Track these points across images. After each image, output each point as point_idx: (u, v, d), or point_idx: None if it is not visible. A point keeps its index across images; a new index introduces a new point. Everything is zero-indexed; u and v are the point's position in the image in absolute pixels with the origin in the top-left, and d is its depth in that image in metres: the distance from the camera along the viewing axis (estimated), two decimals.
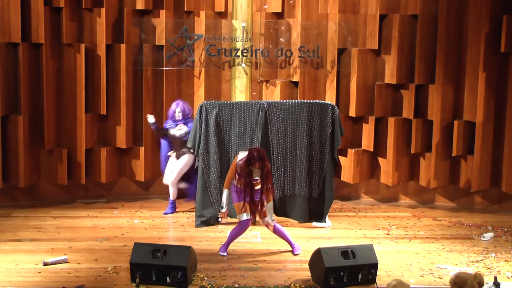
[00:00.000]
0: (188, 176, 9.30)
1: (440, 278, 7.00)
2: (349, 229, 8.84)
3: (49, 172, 9.79)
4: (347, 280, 6.74)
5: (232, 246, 7.83)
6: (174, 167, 9.24)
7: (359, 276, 6.78)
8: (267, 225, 7.65)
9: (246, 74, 9.72)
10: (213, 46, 9.87)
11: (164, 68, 9.91)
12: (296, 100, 9.17)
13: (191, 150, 8.99)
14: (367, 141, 10.10)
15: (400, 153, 10.00)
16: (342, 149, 10.20)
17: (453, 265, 7.38)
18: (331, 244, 7.67)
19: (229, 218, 8.57)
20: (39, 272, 6.98)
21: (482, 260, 7.59)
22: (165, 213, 9.29)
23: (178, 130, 9.17)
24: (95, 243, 8.02)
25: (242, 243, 8.01)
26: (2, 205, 9.56)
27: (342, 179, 10.22)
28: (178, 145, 9.21)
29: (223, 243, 7.77)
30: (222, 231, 8.58)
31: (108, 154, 9.90)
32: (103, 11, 9.66)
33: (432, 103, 9.76)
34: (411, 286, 5.33)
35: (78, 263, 7.27)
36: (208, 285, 6.67)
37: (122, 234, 8.40)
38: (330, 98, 10.02)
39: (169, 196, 9.37)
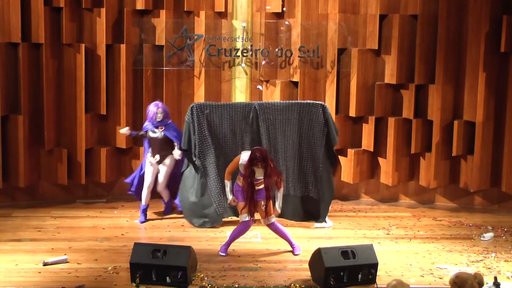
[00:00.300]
0: (173, 178, 9.06)
1: (440, 278, 7.00)
2: (349, 229, 8.84)
3: (49, 172, 9.79)
4: (347, 280, 6.75)
5: (232, 246, 7.83)
6: (162, 171, 8.92)
7: (359, 276, 6.78)
8: (269, 225, 7.63)
9: (246, 74, 9.72)
10: (213, 46, 9.87)
11: (164, 68, 9.91)
12: (287, 101, 9.16)
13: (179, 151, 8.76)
14: (367, 141, 10.09)
15: (400, 153, 10.00)
16: (342, 149, 10.20)
17: (453, 265, 7.38)
18: (331, 244, 7.67)
19: (231, 219, 8.56)
20: (39, 272, 6.98)
21: (482, 260, 7.59)
22: (141, 222, 8.90)
23: (160, 132, 8.80)
24: (95, 243, 8.02)
25: (242, 243, 8.01)
26: (2, 205, 9.56)
27: (342, 179, 10.22)
28: (161, 147, 8.86)
29: (224, 243, 7.77)
30: (222, 231, 8.58)
31: (108, 154, 9.90)
32: (103, 11, 9.66)
33: (432, 103, 9.76)
34: (411, 286, 5.33)
35: (78, 263, 7.27)
36: (208, 285, 6.67)
37: (122, 234, 8.40)
38: (330, 98, 10.03)
39: (141, 203, 8.96)
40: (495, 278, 6.06)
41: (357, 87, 9.97)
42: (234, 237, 7.71)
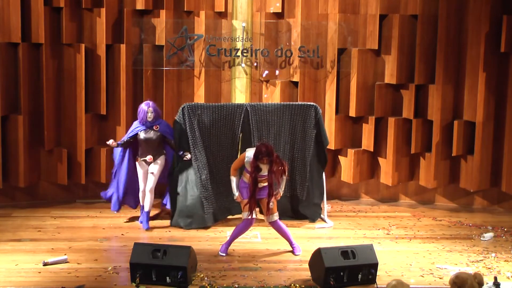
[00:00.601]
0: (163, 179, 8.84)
1: (440, 278, 7.00)
2: (349, 229, 8.84)
3: (49, 172, 9.79)
4: (347, 280, 6.74)
5: (232, 246, 7.83)
6: (154, 171, 8.59)
7: (359, 276, 6.78)
8: (271, 223, 7.61)
9: (246, 74, 9.72)
10: (213, 46, 9.87)
11: (164, 68, 9.91)
12: (279, 102, 9.15)
13: (182, 152, 8.56)
14: (367, 141, 10.09)
15: (400, 153, 10.00)
16: (342, 149, 10.21)
17: (453, 265, 7.37)
18: (331, 244, 7.67)
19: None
20: (39, 272, 6.98)
21: (482, 260, 7.59)
22: (148, 228, 8.60)
23: (155, 132, 8.54)
24: (95, 243, 8.02)
25: (242, 243, 8.01)
26: (2, 205, 9.56)
27: (342, 179, 10.22)
28: (155, 148, 8.59)
29: (224, 242, 7.77)
30: (222, 231, 8.58)
31: (108, 154, 9.89)
32: (103, 11, 9.66)
33: (432, 103, 9.76)
34: (411, 286, 5.32)
35: (78, 263, 7.27)
36: (208, 285, 6.67)
37: (122, 234, 8.40)
38: (330, 98, 10.03)
39: (143, 207, 8.68)
40: (495, 278, 6.06)
41: (357, 87, 9.97)
42: (235, 235, 7.71)
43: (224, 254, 7.64)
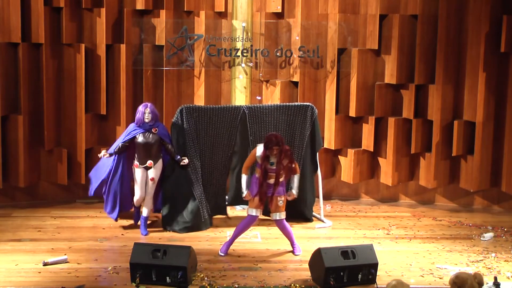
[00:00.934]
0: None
1: (440, 278, 7.00)
2: (349, 229, 8.84)
3: (49, 172, 9.79)
4: (347, 280, 6.75)
5: (232, 246, 7.83)
6: (154, 177, 8.33)
7: (359, 276, 6.78)
8: (277, 221, 7.57)
9: (246, 74, 9.72)
10: (213, 46, 9.87)
11: (164, 68, 9.91)
12: (275, 104, 9.13)
13: (179, 157, 8.38)
14: (367, 141, 10.09)
15: (400, 153, 10.00)
16: (342, 149, 10.20)
17: (453, 265, 7.38)
18: (331, 244, 7.67)
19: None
20: (39, 272, 6.98)
21: (482, 260, 7.59)
22: (146, 234, 8.37)
23: (154, 135, 8.24)
24: (95, 243, 8.02)
25: (242, 243, 8.01)
26: (2, 205, 9.56)
27: (342, 179, 10.22)
28: (153, 151, 8.28)
29: (225, 242, 7.76)
30: (222, 231, 8.58)
31: None
32: (103, 11, 9.66)
33: (432, 103, 9.76)
34: (411, 286, 5.33)
35: (78, 263, 7.27)
36: (208, 285, 6.67)
37: (122, 234, 8.40)
38: (330, 98, 10.03)
39: (141, 212, 8.45)
40: (495, 278, 6.06)
41: (357, 87, 9.97)
42: (238, 232, 7.68)
43: (223, 254, 7.64)
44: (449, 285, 5.37)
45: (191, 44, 9.93)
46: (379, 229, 8.82)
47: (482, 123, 9.49)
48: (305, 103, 8.97)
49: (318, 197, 9.18)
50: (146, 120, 8.25)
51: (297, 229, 8.66)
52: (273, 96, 10.09)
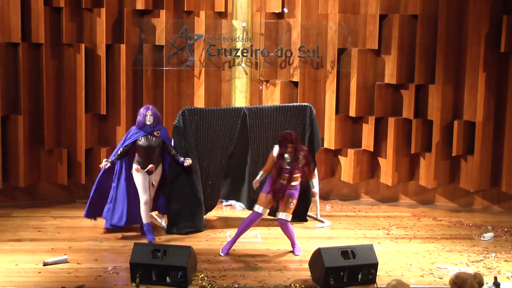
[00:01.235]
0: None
1: (440, 278, 7.00)
2: (349, 229, 8.84)
3: (49, 172, 9.79)
4: (347, 280, 6.74)
5: (232, 246, 7.83)
6: (155, 182, 8.13)
7: (359, 276, 6.78)
8: (281, 221, 7.54)
9: (246, 74, 9.73)
10: (213, 46, 9.87)
11: (164, 68, 9.91)
12: (275, 105, 9.11)
13: (182, 159, 8.21)
14: (367, 141, 10.09)
15: (400, 153, 10.00)
16: (342, 149, 10.20)
17: (453, 265, 7.38)
18: (331, 244, 7.66)
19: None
20: (39, 272, 6.98)
21: (482, 260, 7.59)
22: (151, 240, 8.01)
23: (157, 138, 8.02)
24: (95, 243, 8.02)
25: (242, 243, 8.01)
26: (2, 205, 9.56)
27: (342, 179, 10.22)
28: (156, 155, 8.08)
29: (227, 242, 7.76)
30: (222, 231, 8.58)
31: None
32: (103, 11, 9.66)
33: (432, 103, 9.76)
34: (411, 286, 5.32)
35: (78, 263, 7.27)
36: (208, 285, 6.67)
37: (122, 234, 8.39)
38: (330, 98, 10.03)
39: (144, 222, 8.09)
40: (495, 278, 6.06)
41: (357, 87, 9.97)
42: (241, 230, 7.65)
43: (223, 254, 7.63)
44: (449, 285, 5.37)
45: (191, 44, 9.93)
46: (379, 229, 8.82)
47: (482, 123, 9.49)
48: (303, 104, 8.96)
49: (314, 196, 9.16)
50: (148, 123, 8.02)
51: (297, 229, 8.62)
52: (273, 96, 10.09)
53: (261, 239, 8.29)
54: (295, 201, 7.51)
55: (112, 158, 8.11)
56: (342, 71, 10.07)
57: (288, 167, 7.40)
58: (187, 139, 8.41)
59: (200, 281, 6.78)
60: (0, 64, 9.25)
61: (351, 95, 10.04)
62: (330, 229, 8.84)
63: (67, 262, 7.28)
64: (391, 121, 9.96)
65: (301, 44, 9.92)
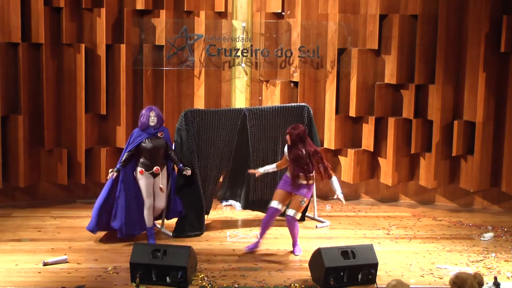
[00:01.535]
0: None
1: (440, 278, 7.00)
2: (349, 229, 8.84)
3: (49, 172, 9.79)
4: (347, 280, 6.74)
5: (232, 246, 7.84)
6: (163, 186, 7.98)
7: (359, 276, 6.78)
8: (289, 217, 7.53)
9: (246, 74, 9.73)
10: (213, 46, 9.87)
11: (164, 68, 9.91)
12: (274, 105, 9.10)
13: (181, 165, 8.12)
14: (367, 141, 10.09)
15: (400, 153, 10.00)
16: (342, 149, 10.20)
17: (453, 265, 7.37)
18: (331, 244, 7.66)
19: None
20: (39, 272, 6.98)
21: (482, 260, 7.59)
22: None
23: (161, 139, 7.89)
24: (95, 243, 8.02)
25: (242, 243, 8.01)
26: (2, 205, 9.56)
27: (342, 179, 10.21)
28: (159, 157, 7.92)
29: (253, 242, 7.78)
30: (222, 231, 8.58)
31: (108, 154, 9.89)
32: (103, 11, 9.66)
33: (432, 103, 9.76)
34: (411, 286, 5.32)
35: (78, 263, 7.27)
36: (208, 285, 6.67)
37: None
38: (330, 98, 10.03)
39: (148, 224, 7.98)
40: (495, 278, 6.06)
41: (357, 87, 9.97)
42: (264, 227, 7.69)
43: (246, 250, 7.68)
44: (449, 285, 5.37)
45: (191, 44, 9.93)
46: (379, 229, 8.82)
47: (482, 123, 9.49)
48: (300, 104, 8.96)
49: (312, 196, 9.16)
50: (152, 124, 7.86)
51: None
52: (273, 97, 10.09)
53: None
54: (306, 200, 7.53)
55: (118, 166, 7.86)
56: (342, 71, 10.07)
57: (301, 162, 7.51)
58: (190, 141, 8.34)
59: (200, 281, 6.78)
60: (0, 64, 9.25)
61: (351, 95, 10.04)
62: (330, 229, 8.84)
63: (67, 262, 7.28)
64: (391, 121, 9.96)
65: (301, 44, 9.92)
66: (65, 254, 7.44)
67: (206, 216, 8.63)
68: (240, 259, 7.56)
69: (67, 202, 9.85)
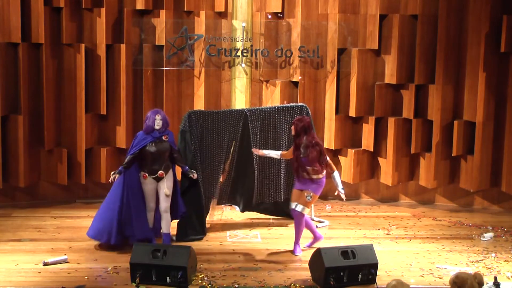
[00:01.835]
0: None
1: (440, 278, 7.00)
2: (349, 229, 8.84)
3: (49, 172, 9.79)
4: (347, 280, 6.74)
5: (232, 246, 7.84)
6: (168, 190, 7.79)
7: (359, 276, 6.78)
8: (295, 212, 7.56)
9: (246, 74, 9.73)
10: (213, 46, 9.87)
11: (164, 68, 9.91)
12: (275, 105, 9.09)
13: (187, 168, 8.01)
14: (367, 141, 10.09)
15: (400, 153, 10.00)
16: (342, 149, 10.20)
17: (453, 265, 7.37)
18: (331, 244, 7.66)
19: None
20: (39, 272, 6.98)
21: (482, 260, 7.59)
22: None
23: (166, 143, 7.73)
24: (95, 243, 8.01)
25: (242, 243, 8.01)
26: (2, 205, 9.56)
27: (342, 179, 10.20)
28: (164, 160, 7.76)
29: (295, 244, 7.77)
30: (222, 232, 8.58)
31: (108, 154, 9.90)
32: (103, 11, 9.66)
33: (432, 103, 9.76)
34: (411, 286, 5.32)
35: (78, 263, 7.27)
36: (208, 285, 6.67)
37: None
38: (330, 98, 10.03)
39: (159, 229, 7.88)
40: (495, 278, 6.06)
41: (357, 87, 9.97)
42: (307, 227, 7.74)
43: (298, 254, 7.69)
44: (449, 285, 5.37)
45: (191, 44, 9.93)
46: (379, 229, 8.82)
47: (482, 123, 9.49)
48: (299, 104, 8.96)
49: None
50: (157, 127, 7.65)
51: None
52: (273, 97, 10.09)
53: (261, 239, 8.28)
54: (312, 195, 7.54)
55: (120, 168, 7.72)
56: (342, 71, 10.07)
57: (303, 157, 7.54)
58: (194, 143, 8.30)
59: (200, 281, 6.78)
60: (0, 64, 9.25)
61: (351, 95, 10.04)
62: (330, 229, 8.84)
63: (67, 262, 7.28)
64: (391, 121, 9.96)
65: (301, 44, 9.92)
66: (65, 254, 7.44)
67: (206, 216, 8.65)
68: (240, 259, 7.56)
69: (67, 202, 9.85)
